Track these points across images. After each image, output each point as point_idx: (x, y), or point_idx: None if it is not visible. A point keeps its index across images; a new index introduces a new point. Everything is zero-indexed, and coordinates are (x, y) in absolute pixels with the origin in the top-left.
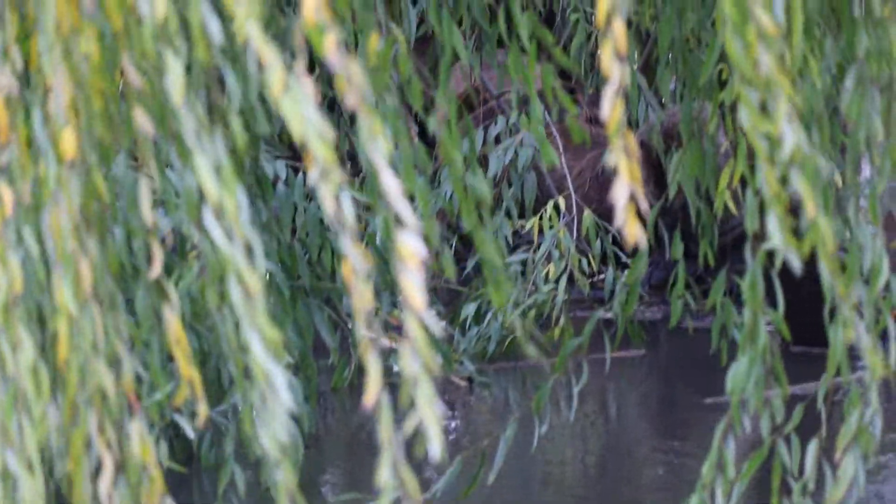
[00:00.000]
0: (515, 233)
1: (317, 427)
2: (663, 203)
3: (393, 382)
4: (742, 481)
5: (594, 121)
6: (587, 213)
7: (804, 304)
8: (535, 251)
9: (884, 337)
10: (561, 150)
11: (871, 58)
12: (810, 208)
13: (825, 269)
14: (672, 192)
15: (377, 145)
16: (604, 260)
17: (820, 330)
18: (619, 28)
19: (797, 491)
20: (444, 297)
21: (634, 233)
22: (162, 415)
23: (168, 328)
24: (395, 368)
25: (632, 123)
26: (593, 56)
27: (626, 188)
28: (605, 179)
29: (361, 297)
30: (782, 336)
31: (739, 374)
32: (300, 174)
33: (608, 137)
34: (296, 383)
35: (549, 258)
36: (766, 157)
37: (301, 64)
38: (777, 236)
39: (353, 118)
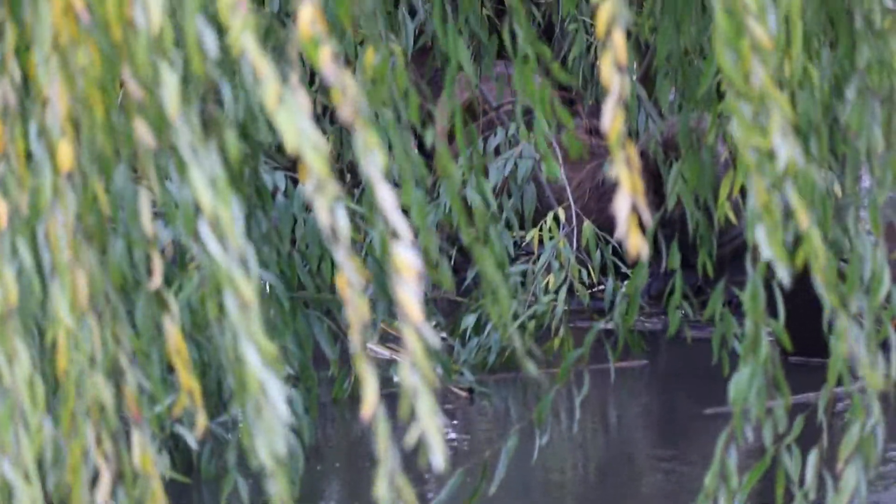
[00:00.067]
0: (515, 244)
1: (317, 438)
2: (662, 214)
3: (395, 392)
4: (744, 491)
5: (594, 132)
6: (587, 224)
7: (802, 314)
8: (534, 262)
9: (885, 347)
10: (560, 161)
11: (872, 69)
12: (803, 221)
13: (818, 282)
14: (671, 203)
15: (372, 158)
16: (604, 271)
17: (818, 341)
18: (619, 39)
19: (799, 500)
20: (444, 308)
21: (636, 244)
22: (162, 427)
23: (168, 339)
24: (396, 379)
25: (631, 134)
26: (593, 66)
27: (627, 200)
28: (604, 190)
29: (357, 309)
30: (782, 346)
31: (741, 384)
32: (300, 185)
33: (608, 148)
34: (296, 395)
35: (548, 269)
36: (756, 170)
37: (296, 76)
38: (766, 249)
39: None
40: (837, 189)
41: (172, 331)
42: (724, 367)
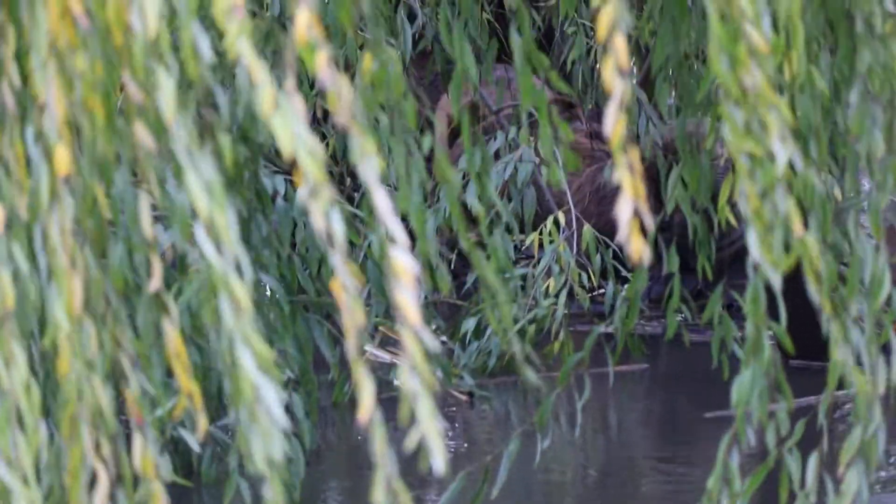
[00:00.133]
0: (515, 248)
1: (318, 442)
2: (662, 217)
3: (395, 396)
4: (746, 494)
5: (594, 135)
6: (587, 227)
7: (803, 318)
8: (534, 266)
9: (886, 349)
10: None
11: (874, 74)
12: (797, 227)
13: (811, 286)
14: (670, 207)
15: (369, 163)
16: (604, 274)
17: (820, 344)
18: (620, 43)
19: (800, 503)
20: (445, 312)
21: (638, 248)
22: (162, 430)
23: (168, 342)
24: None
25: (632, 138)
26: (593, 70)
27: (629, 204)
28: (604, 194)
29: (352, 314)
30: (783, 350)
31: (744, 387)
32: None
33: (609, 152)
34: (297, 398)
35: (549, 273)
36: (748, 176)
37: (291, 81)
38: (756, 252)
39: None
40: (837, 192)
41: (172, 334)
42: (724, 370)
